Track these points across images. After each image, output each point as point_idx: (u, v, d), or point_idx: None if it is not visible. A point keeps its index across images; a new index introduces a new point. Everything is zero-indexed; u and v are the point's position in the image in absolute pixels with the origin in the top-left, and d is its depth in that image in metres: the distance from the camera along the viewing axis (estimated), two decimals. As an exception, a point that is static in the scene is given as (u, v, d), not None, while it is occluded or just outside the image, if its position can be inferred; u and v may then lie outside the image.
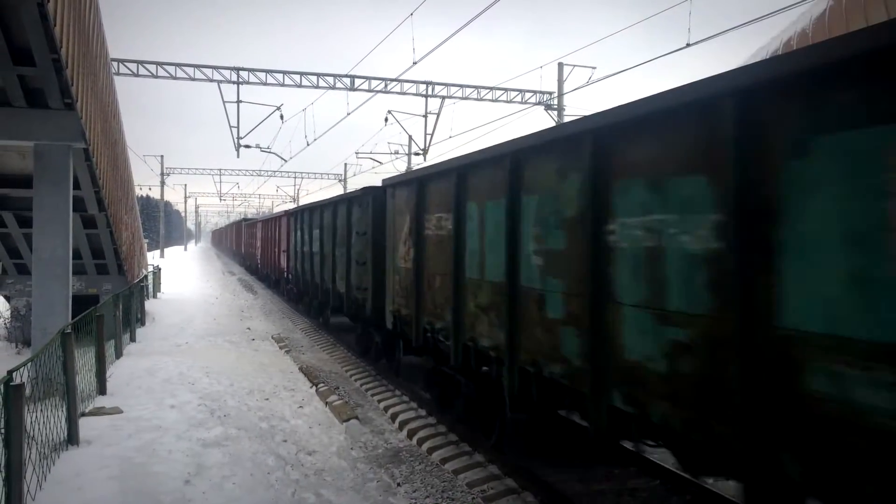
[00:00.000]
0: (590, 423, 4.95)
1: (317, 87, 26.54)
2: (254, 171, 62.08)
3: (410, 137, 33.56)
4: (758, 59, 16.34)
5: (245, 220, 47.92)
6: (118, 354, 13.15)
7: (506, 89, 28.57)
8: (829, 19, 13.66)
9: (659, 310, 4.26)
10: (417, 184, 8.58)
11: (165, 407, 9.37)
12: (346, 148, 51.55)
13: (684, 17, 16.18)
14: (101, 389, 10.11)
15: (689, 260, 4.06)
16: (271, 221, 27.47)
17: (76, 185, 15.41)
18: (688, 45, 16.49)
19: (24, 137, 13.39)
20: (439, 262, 7.88)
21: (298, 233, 19.22)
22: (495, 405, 7.29)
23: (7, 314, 22.22)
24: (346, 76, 26.63)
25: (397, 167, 38.99)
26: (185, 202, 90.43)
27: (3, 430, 5.58)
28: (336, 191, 55.33)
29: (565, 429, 7.64)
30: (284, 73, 26.25)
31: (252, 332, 17.80)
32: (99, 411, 8.95)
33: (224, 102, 25.98)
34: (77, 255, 19.93)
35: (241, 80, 25.62)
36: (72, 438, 7.57)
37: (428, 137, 29.48)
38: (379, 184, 11.83)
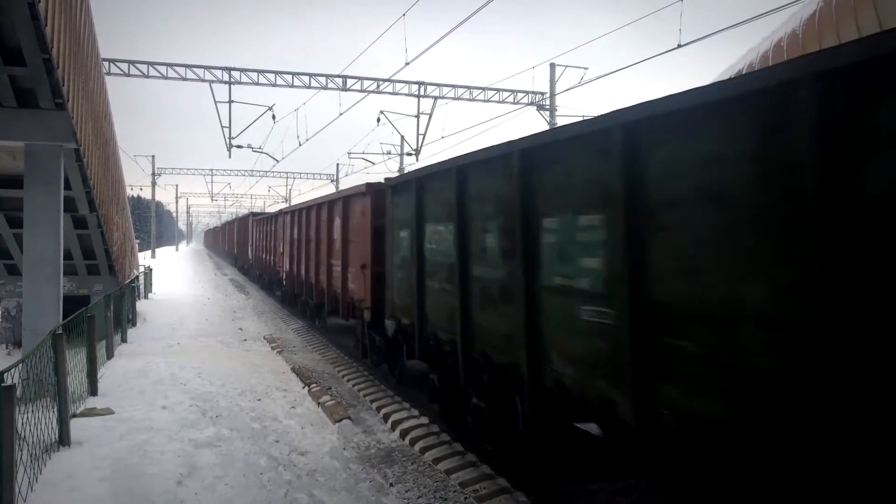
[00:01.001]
0: None
1: (309, 87, 26.49)
2: (246, 171, 61.86)
3: (403, 138, 33.56)
4: (748, 60, 16.44)
5: (254, 214, 34.49)
6: (109, 355, 13.11)
7: (498, 89, 28.59)
8: (818, 21, 13.71)
9: None
10: None
11: (157, 408, 9.35)
12: (338, 148, 51.37)
13: (676, 17, 16.25)
14: (93, 390, 10.09)
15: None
16: (319, 211, 16.08)
17: (67, 186, 15.36)
18: (679, 45, 16.56)
19: (15, 137, 13.34)
20: None
21: (480, 223, 7.18)
22: None
23: (-3, 315, 22.11)
24: (339, 76, 26.60)
25: (389, 167, 38.99)
26: (177, 202, 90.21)
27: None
28: (328, 191, 54.46)
29: None
30: (276, 73, 26.19)
31: (244, 332, 17.77)
32: (90, 412, 8.93)
33: (216, 102, 25.89)
34: (68, 255, 19.89)
35: (232, 80, 25.54)
36: (63, 439, 7.55)
37: (420, 138, 29.48)
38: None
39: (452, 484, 7.02)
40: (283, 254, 21.62)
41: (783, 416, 3.55)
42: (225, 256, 57.77)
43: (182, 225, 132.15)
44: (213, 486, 6.56)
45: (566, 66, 25.82)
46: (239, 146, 28.79)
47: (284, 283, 21.56)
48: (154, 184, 61.33)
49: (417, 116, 29.02)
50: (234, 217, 59.79)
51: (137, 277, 24.34)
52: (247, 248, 35.14)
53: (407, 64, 20.48)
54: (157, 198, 69.82)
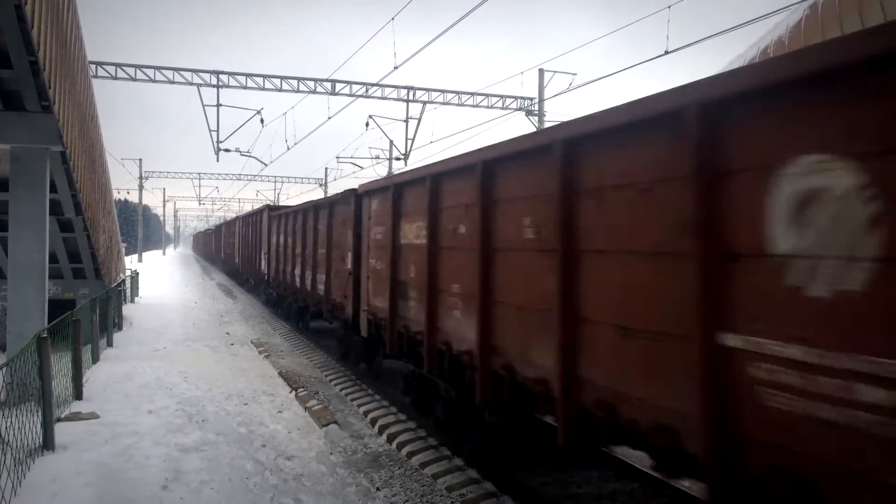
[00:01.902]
0: None
1: (297, 91, 26.48)
2: (234, 175, 61.85)
3: (391, 142, 33.56)
4: (735, 66, 16.57)
5: (273, 207, 23.65)
6: (95, 359, 13.02)
7: (487, 95, 28.68)
8: (804, 28, 13.87)
9: None
10: None
11: (143, 412, 9.29)
12: (326, 152, 51.56)
13: (663, 24, 16.39)
14: (78, 394, 10.01)
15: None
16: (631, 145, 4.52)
17: (53, 189, 15.27)
18: (666, 52, 16.67)
19: (1, 140, 13.25)
20: None
21: None
22: None
23: (-18, 319, 21.94)
24: (327, 80, 26.60)
25: (378, 172, 39.00)
26: (164, 206, 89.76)
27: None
28: (317, 195, 53.88)
29: None
30: (265, 76, 26.16)
31: (231, 336, 17.69)
32: (75, 417, 8.86)
33: (204, 106, 25.84)
34: (53, 258, 19.73)
35: (220, 83, 25.49)
36: (47, 444, 7.49)
37: (409, 142, 29.51)
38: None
39: (439, 488, 7.02)
40: (363, 277, 10.39)
41: None
42: (221, 265, 46.70)
43: (169, 229, 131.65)
44: (199, 490, 6.52)
45: (555, 72, 25.96)
46: (227, 150, 28.77)
47: (371, 332, 10.16)
48: (141, 187, 61.08)
49: (406, 121, 29.06)
50: (232, 216, 51.70)
51: (124, 281, 24.21)
52: (258, 257, 24.92)
53: (395, 68, 20.52)
54: (145, 201, 69.48)
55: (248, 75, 25.93)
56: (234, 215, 52.93)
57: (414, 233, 8.12)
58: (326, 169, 56.09)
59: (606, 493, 6.77)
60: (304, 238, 16.18)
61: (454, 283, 6.99)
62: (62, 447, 7.58)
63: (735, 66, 16.57)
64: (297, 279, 17.05)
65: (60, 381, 9.09)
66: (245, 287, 30.98)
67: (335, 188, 53.92)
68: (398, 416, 9.61)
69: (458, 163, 6.94)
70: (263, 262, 23.51)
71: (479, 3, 14.29)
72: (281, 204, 32.75)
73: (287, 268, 18.62)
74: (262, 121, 27.57)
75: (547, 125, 26.17)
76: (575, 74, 25.51)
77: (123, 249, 34.62)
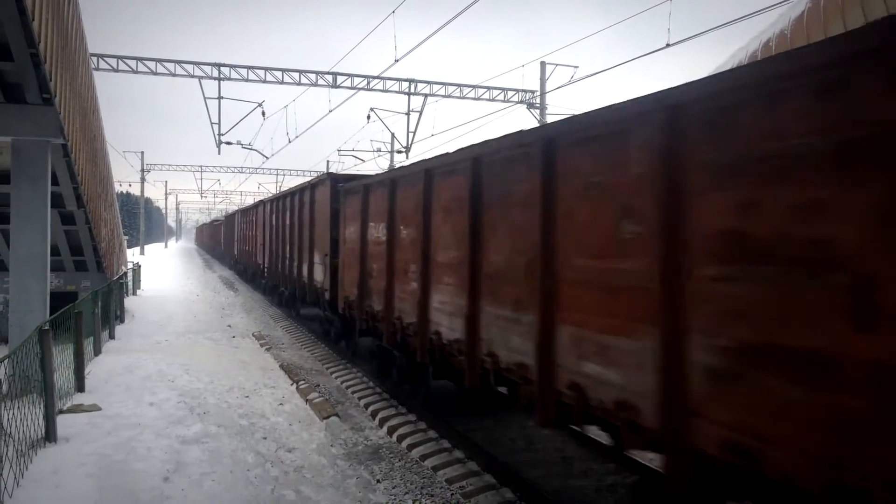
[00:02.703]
0: None
1: (299, 83, 26.40)
2: (235, 168, 61.68)
3: (393, 135, 33.53)
4: (737, 59, 16.53)
5: (335, 177, 13.80)
6: (97, 352, 13.06)
7: (488, 87, 28.60)
8: (807, 21, 13.82)
9: None
10: None
11: (144, 404, 9.32)
12: (328, 145, 51.64)
13: (665, 17, 16.33)
14: (80, 387, 10.04)
15: None
16: None
17: (54, 181, 15.28)
18: (668, 45, 16.61)
19: (2, 133, 13.25)
20: None
21: None
22: None
23: (-16, 311, 21.98)
24: (329, 73, 26.53)
25: (380, 164, 39.00)
26: (166, 199, 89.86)
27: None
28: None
29: None
30: (266, 69, 26.09)
31: (233, 329, 17.72)
32: (77, 409, 8.89)
33: (205, 99, 25.78)
34: (55, 251, 19.79)
35: (222, 76, 25.42)
36: (49, 436, 7.52)
37: (410, 135, 29.45)
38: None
39: (439, 480, 7.05)
40: None
41: None
42: (233, 265, 39.51)
43: (171, 221, 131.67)
44: (200, 482, 6.55)
45: (556, 65, 25.87)
46: (228, 143, 28.71)
47: None
48: (143, 180, 61.08)
49: (408, 114, 29.00)
50: (233, 209, 46.59)
51: (126, 274, 24.24)
52: (306, 261, 16.12)
53: (396, 61, 20.45)
54: (147, 194, 69.63)
55: (249, 68, 25.88)
56: (235, 208, 52.50)
57: None
58: (328, 162, 56.00)
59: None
60: (454, 231, 7.44)
61: None
62: (64, 439, 7.61)
63: (737, 59, 16.53)
64: (412, 309, 8.64)
65: (62, 374, 9.12)
66: (271, 298, 23.65)
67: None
68: (399, 409, 9.64)
69: None
70: (319, 272, 14.77)
71: (481, -5, 14.22)
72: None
73: (383, 284, 9.76)
74: (263, 114, 27.50)
75: (549, 119, 26.13)
76: (577, 67, 25.43)
77: (125, 242, 34.68)
